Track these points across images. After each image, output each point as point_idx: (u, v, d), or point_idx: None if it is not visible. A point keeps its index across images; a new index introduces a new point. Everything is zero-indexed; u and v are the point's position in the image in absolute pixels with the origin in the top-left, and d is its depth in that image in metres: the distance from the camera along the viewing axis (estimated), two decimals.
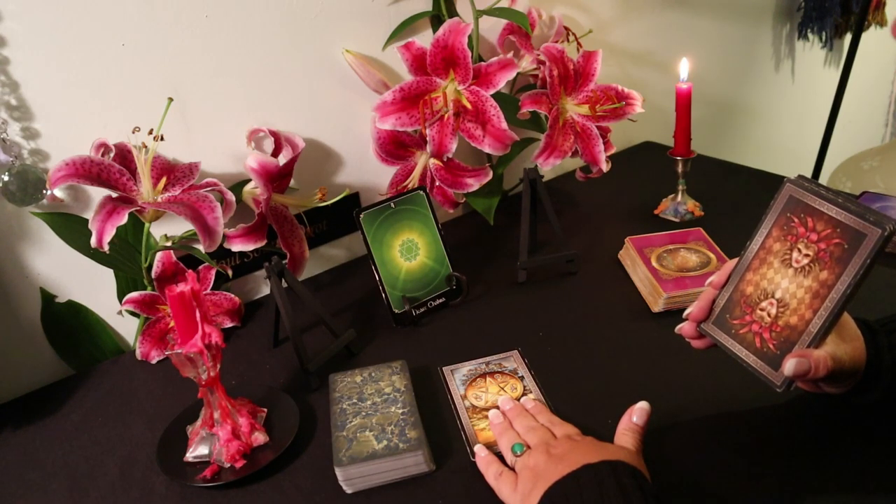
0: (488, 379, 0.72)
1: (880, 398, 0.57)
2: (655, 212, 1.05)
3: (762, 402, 0.65)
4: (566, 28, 1.07)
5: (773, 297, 0.55)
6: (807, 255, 0.53)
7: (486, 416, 0.66)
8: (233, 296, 0.89)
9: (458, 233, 1.07)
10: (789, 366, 0.52)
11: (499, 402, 0.68)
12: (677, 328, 0.64)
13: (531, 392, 0.70)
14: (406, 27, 0.97)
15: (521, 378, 0.72)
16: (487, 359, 0.76)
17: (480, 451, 0.62)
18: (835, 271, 0.51)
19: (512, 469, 0.58)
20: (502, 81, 0.89)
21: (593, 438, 0.58)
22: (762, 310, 0.56)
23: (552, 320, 0.82)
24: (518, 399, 0.68)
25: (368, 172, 1.02)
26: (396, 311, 0.84)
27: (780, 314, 0.55)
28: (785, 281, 0.54)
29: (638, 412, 0.60)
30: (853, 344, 0.55)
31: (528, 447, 0.59)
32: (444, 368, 0.75)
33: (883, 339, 0.56)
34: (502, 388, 0.71)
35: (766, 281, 0.56)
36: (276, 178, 0.82)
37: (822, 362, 0.52)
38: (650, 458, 0.56)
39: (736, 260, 0.59)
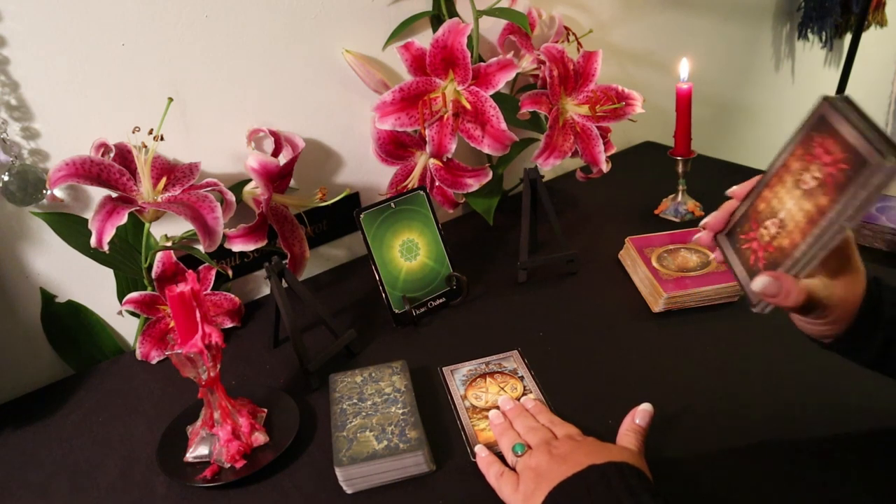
0: (488, 379, 0.72)
1: (874, 358, 0.53)
2: (656, 212, 1.05)
3: (763, 402, 0.65)
4: (566, 28, 1.07)
5: (777, 216, 0.52)
6: (815, 178, 0.49)
7: (487, 417, 0.66)
8: (233, 296, 0.89)
9: (458, 233, 1.07)
10: (757, 282, 0.50)
11: (499, 402, 0.68)
12: (695, 237, 0.61)
13: (531, 392, 0.70)
14: (406, 27, 0.97)
15: (521, 378, 0.72)
16: (487, 359, 0.76)
17: (481, 452, 0.62)
18: (832, 198, 0.47)
19: (513, 469, 0.58)
20: (502, 82, 0.89)
21: (594, 439, 0.58)
22: (765, 228, 0.53)
23: (552, 320, 0.82)
24: (518, 399, 0.68)
25: (368, 172, 1.02)
26: (396, 311, 0.84)
27: (777, 234, 0.52)
28: (791, 202, 0.51)
29: (641, 414, 0.60)
30: (849, 287, 0.51)
31: (529, 447, 0.59)
32: (443, 369, 0.75)
33: (889, 294, 0.52)
34: (502, 389, 0.71)
35: (776, 199, 0.53)
36: (277, 178, 0.82)
37: (793, 290, 0.49)
38: (651, 458, 0.56)
39: (762, 175, 0.56)
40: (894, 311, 0.52)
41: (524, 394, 0.70)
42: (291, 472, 0.64)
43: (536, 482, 0.53)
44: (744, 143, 1.77)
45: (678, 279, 0.82)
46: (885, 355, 0.53)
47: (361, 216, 0.83)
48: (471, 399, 0.70)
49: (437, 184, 0.96)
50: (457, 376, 0.73)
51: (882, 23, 1.87)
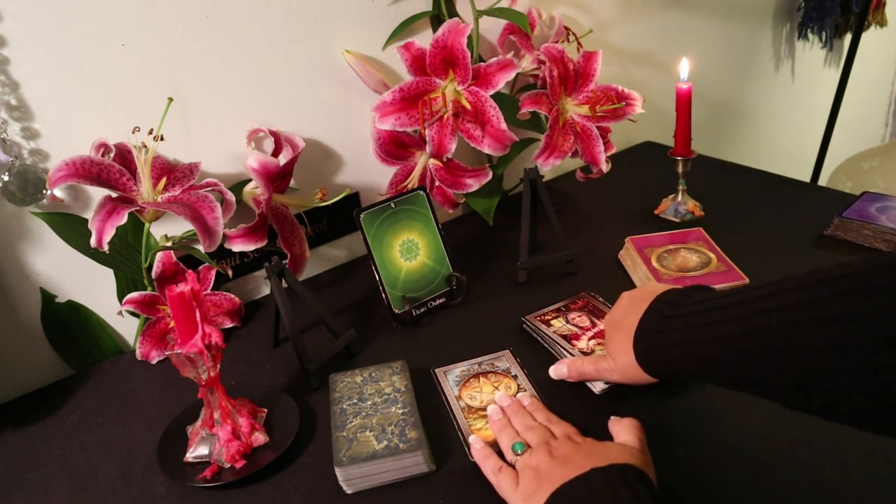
0: (482, 379, 0.72)
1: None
2: (656, 212, 1.05)
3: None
4: (566, 28, 1.07)
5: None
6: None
7: (483, 416, 0.66)
8: (233, 296, 0.89)
9: (458, 233, 1.07)
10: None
11: (496, 398, 0.68)
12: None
13: (525, 390, 0.70)
14: (406, 27, 0.97)
15: (515, 377, 0.72)
16: (479, 359, 0.76)
17: (476, 444, 0.62)
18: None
19: (511, 466, 0.58)
20: (502, 82, 0.89)
21: (593, 439, 0.58)
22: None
23: None
24: (514, 396, 0.68)
25: (368, 172, 1.02)
26: (396, 311, 0.84)
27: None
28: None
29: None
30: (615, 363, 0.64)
31: (529, 446, 0.59)
32: (436, 370, 0.75)
33: (649, 353, 0.60)
34: (496, 388, 0.71)
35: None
36: (277, 178, 0.82)
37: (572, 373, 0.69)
38: (657, 461, 0.56)
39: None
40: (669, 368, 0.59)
41: (518, 392, 0.70)
42: (291, 472, 0.64)
43: (537, 483, 0.53)
44: (744, 143, 1.77)
45: (678, 279, 0.82)
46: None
47: (361, 216, 0.83)
48: (465, 399, 0.70)
49: (437, 184, 0.96)
50: (450, 377, 0.73)
51: (882, 23, 1.87)
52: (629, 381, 0.64)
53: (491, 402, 0.68)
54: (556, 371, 0.71)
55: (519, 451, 0.58)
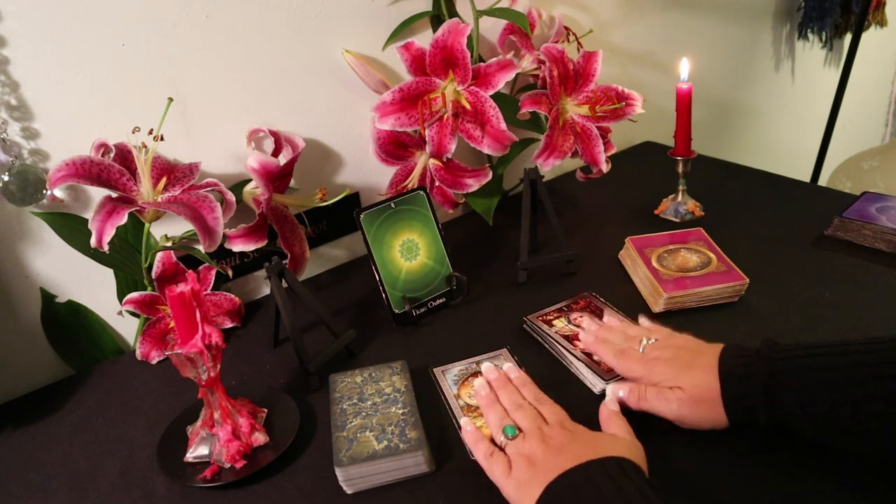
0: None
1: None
2: (656, 212, 1.05)
3: None
4: (566, 28, 1.07)
5: None
6: None
7: (482, 416, 0.66)
8: (233, 296, 0.89)
9: (459, 233, 1.07)
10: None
11: (482, 370, 0.69)
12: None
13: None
14: (406, 27, 0.97)
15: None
16: (477, 358, 0.76)
17: (466, 425, 0.62)
18: None
19: (502, 450, 0.58)
20: (501, 82, 0.89)
21: (585, 429, 0.58)
22: None
23: None
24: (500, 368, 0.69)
25: (368, 172, 1.02)
26: (397, 311, 0.84)
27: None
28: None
29: (613, 397, 0.63)
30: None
31: (520, 430, 0.59)
32: (434, 370, 0.75)
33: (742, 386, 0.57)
34: None
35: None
36: (277, 178, 0.82)
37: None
38: (650, 456, 0.56)
39: None
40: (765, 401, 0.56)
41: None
42: (291, 472, 0.64)
43: (531, 472, 0.53)
44: (744, 143, 1.77)
45: (678, 279, 0.82)
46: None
47: (361, 216, 0.83)
48: (464, 398, 0.70)
49: (437, 184, 0.96)
50: (448, 376, 0.73)
51: (882, 23, 1.87)
52: (689, 417, 0.60)
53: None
54: (615, 392, 0.65)
55: (510, 436, 0.58)
